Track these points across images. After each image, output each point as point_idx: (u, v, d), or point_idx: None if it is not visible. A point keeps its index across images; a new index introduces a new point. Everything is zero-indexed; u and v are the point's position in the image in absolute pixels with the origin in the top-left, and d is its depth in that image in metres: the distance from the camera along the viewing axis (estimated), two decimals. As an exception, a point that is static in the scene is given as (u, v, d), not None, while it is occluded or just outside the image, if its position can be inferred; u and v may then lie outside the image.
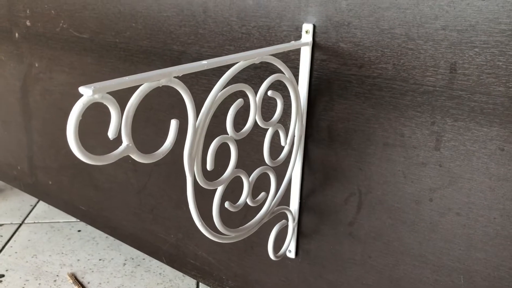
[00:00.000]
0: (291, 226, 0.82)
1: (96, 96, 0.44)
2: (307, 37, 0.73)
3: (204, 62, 0.57)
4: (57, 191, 1.31)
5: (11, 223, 1.40)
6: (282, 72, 0.69)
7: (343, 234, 0.79)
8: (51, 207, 1.48)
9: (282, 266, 0.89)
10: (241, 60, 0.62)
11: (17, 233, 1.35)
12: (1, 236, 1.33)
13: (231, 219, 0.92)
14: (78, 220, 1.38)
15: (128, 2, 0.97)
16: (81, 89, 0.44)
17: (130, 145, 0.49)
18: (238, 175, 0.67)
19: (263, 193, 0.75)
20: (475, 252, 0.67)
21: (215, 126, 0.87)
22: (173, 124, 0.53)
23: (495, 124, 0.61)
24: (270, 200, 0.77)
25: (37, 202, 1.53)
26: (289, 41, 0.76)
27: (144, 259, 1.22)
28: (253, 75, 0.82)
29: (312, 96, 0.76)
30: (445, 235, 0.69)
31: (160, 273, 1.16)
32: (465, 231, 0.67)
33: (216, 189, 0.65)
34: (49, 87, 1.20)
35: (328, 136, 0.76)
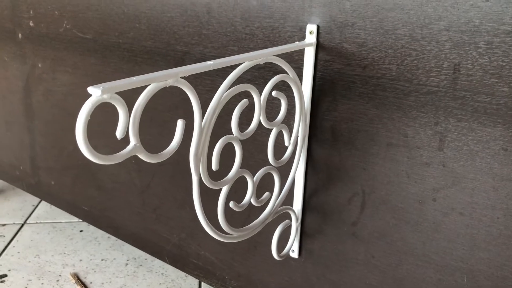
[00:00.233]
0: (295, 226, 0.83)
1: (104, 96, 0.45)
2: (311, 37, 0.74)
3: (210, 62, 0.58)
4: (59, 191, 1.32)
5: (14, 223, 1.40)
6: (286, 73, 0.70)
7: (346, 234, 0.80)
8: (53, 207, 1.48)
9: (285, 266, 0.90)
10: (246, 60, 0.63)
11: (19, 233, 1.35)
12: (4, 236, 1.33)
13: (235, 219, 0.92)
14: (81, 220, 1.38)
15: (131, 3, 0.97)
16: (90, 89, 0.44)
17: (138, 144, 0.50)
18: (242, 175, 0.68)
19: (267, 193, 0.75)
20: (479, 251, 0.67)
21: (219, 127, 0.87)
22: (180, 124, 0.54)
23: (499, 124, 0.62)
24: (274, 200, 0.77)
25: (39, 202, 1.53)
26: (293, 42, 0.76)
27: (146, 259, 1.22)
28: (257, 75, 0.82)
29: (316, 96, 0.76)
30: (448, 235, 0.69)
31: (162, 273, 1.16)
32: (468, 230, 0.67)
33: (220, 189, 0.65)
34: (52, 87, 1.21)
35: (331, 136, 0.77)
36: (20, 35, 1.23)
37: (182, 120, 0.54)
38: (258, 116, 0.66)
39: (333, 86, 0.74)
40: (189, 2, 0.88)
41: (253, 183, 0.70)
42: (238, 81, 0.77)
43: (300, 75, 0.76)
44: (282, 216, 0.83)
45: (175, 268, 1.12)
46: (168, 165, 1.03)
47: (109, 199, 1.18)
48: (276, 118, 0.71)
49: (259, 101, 0.65)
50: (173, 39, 0.92)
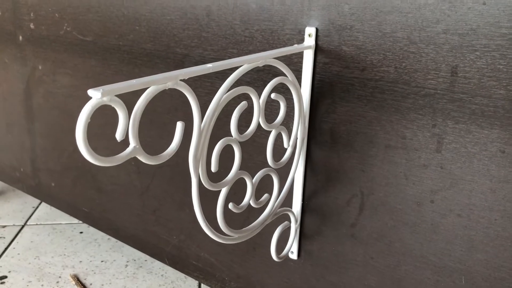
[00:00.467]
0: (294, 227, 0.83)
1: (104, 98, 0.45)
2: (309, 40, 0.74)
3: (209, 65, 0.58)
4: (59, 193, 1.32)
5: (14, 225, 1.40)
6: (285, 75, 0.70)
7: (345, 236, 0.80)
8: (53, 208, 1.48)
9: (285, 267, 0.90)
10: (245, 63, 0.63)
11: (19, 234, 1.35)
12: (4, 237, 1.33)
13: (234, 221, 0.93)
14: (81, 221, 1.38)
15: (131, 5, 0.98)
16: (90, 92, 0.45)
17: (137, 146, 0.50)
18: (241, 176, 0.68)
19: (266, 195, 0.75)
20: (476, 253, 0.68)
21: (219, 129, 0.88)
22: (179, 126, 0.54)
23: (496, 126, 0.62)
24: (273, 201, 0.78)
25: (39, 204, 1.53)
26: (292, 45, 0.77)
27: (146, 260, 1.23)
28: (256, 78, 0.83)
29: (314, 98, 0.77)
30: (446, 236, 0.70)
31: (162, 275, 1.17)
32: (466, 232, 0.68)
33: (219, 191, 0.66)
34: (52, 89, 1.21)
35: (330, 138, 0.77)
36: (20, 37, 1.23)
37: (182, 122, 0.54)
38: (257, 118, 0.67)
39: (331, 89, 0.75)
40: (189, 5, 0.88)
41: (252, 184, 0.70)
42: (237, 83, 0.78)
43: (299, 77, 0.77)
44: (281, 217, 0.84)
45: (174, 270, 1.12)
46: (167, 167, 1.03)
47: (109, 201, 1.19)
48: (275, 120, 0.72)
49: (258, 103, 0.66)
50: (173, 42, 0.93)
